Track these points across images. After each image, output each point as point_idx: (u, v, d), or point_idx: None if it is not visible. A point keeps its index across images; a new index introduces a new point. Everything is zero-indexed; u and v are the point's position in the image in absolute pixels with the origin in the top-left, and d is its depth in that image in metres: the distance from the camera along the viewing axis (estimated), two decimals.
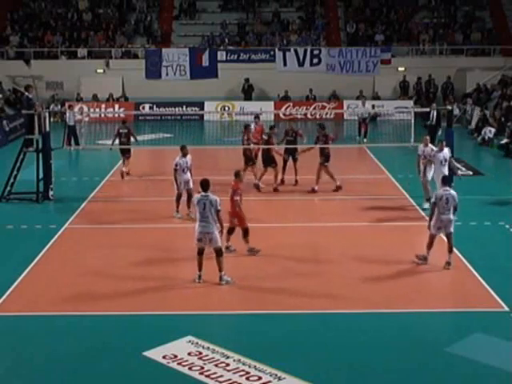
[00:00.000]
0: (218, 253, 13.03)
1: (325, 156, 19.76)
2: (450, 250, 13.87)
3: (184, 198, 17.46)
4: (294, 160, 20.69)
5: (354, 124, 31.34)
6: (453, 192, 13.82)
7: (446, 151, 17.82)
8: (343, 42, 39.89)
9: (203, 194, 13.06)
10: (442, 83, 37.74)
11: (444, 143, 18.04)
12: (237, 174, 14.69)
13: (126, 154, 22.11)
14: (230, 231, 14.64)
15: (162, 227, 16.99)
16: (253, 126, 21.36)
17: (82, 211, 18.26)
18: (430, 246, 14.00)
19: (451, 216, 13.76)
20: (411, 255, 14.65)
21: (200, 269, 13.10)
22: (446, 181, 14.20)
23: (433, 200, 13.87)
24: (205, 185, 13.11)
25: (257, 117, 22.24)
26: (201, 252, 13.10)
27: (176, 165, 17.27)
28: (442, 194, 13.74)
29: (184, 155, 17.42)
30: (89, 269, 13.95)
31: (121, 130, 22.08)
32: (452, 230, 13.81)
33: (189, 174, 17.46)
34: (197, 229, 13.05)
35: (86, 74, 37.77)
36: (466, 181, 21.55)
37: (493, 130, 28.91)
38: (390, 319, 11.72)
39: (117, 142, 22.09)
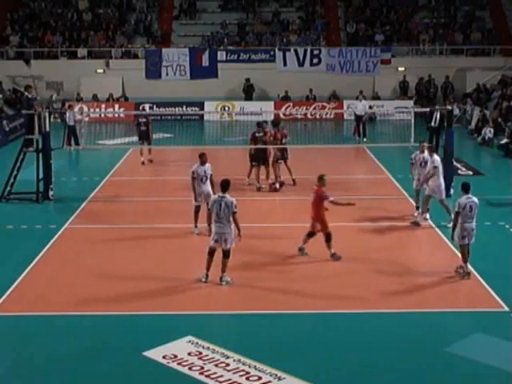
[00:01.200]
0: (226, 254, 12.97)
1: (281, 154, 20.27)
2: (466, 261, 13.39)
3: (204, 210, 15.78)
4: (285, 159, 20.66)
5: (354, 124, 31.33)
6: (475, 199, 13.31)
7: (436, 158, 17.34)
8: (343, 42, 39.87)
9: (220, 194, 12.98)
10: (441, 83, 37.71)
11: (425, 145, 17.77)
12: (320, 178, 14.33)
13: (146, 139, 23.72)
14: (311, 235, 14.51)
15: (162, 227, 16.99)
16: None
17: (81, 211, 18.26)
18: (463, 257, 13.40)
19: (474, 224, 13.31)
20: (411, 255, 14.67)
21: (208, 269, 13.04)
22: (467, 188, 13.45)
23: (456, 209, 13.23)
24: (224, 185, 12.96)
25: (265, 122, 22.27)
26: (212, 252, 13.05)
27: (193, 173, 15.77)
28: (466, 203, 13.18)
29: (202, 163, 15.77)
30: (89, 269, 13.95)
31: (140, 120, 24.23)
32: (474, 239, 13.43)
33: (209, 184, 15.80)
34: (213, 229, 13.00)
35: (86, 74, 37.75)
36: (466, 181, 21.56)
37: (492, 130, 28.96)
38: (390, 319, 11.72)
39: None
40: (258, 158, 20.18)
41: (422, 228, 16.77)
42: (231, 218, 12.82)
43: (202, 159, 15.83)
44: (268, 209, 18.88)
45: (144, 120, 24.29)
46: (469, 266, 13.42)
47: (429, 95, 37.68)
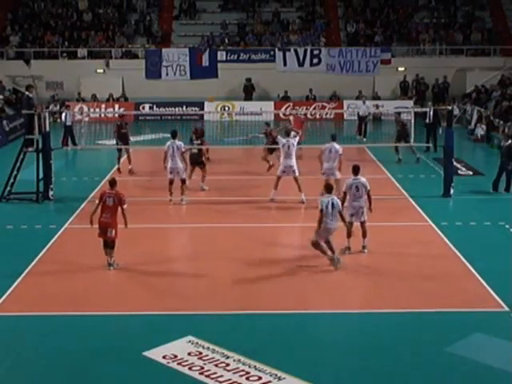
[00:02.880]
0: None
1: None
2: (365, 235, 14.84)
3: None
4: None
5: (355, 124, 31.35)
6: (363, 179, 14.77)
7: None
8: (343, 42, 39.85)
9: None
10: (439, 83, 37.69)
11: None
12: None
13: (126, 143, 22.72)
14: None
15: (162, 227, 17.00)
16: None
17: (81, 211, 18.23)
18: (348, 233, 14.76)
19: (362, 203, 14.67)
20: (411, 255, 14.67)
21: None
22: (357, 170, 14.87)
23: (344, 189, 14.80)
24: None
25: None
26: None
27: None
28: (352, 183, 14.69)
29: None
30: (89, 269, 13.94)
31: (120, 122, 23.04)
32: (364, 218, 14.75)
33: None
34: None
35: (86, 73, 37.74)
36: (466, 181, 21.59)
37: (485, 127, 29.24)
38: (390, 319, 11.71)
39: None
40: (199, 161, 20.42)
41: (421, 228, 16.77)
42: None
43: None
44: (268, 209, 18.87)
45: (125, 122, 23.11)
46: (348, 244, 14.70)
47: (424, 94, 37.65)
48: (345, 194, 14.72)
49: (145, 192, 20.54)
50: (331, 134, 19.34)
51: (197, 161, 20.11)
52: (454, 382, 9.85)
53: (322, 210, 13.64)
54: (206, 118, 35.47)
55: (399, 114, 23.10)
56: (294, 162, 18.62)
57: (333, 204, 13.70)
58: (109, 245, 13.81)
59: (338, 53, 37.30)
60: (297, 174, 18.62)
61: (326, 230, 13.69)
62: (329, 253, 13.80)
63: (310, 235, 14.13)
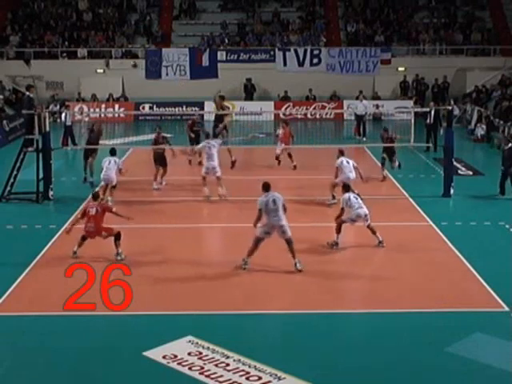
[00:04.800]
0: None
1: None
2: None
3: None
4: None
5: (353, 124, 31.36)
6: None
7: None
8: (343, 42, 39.86)
9: None
10: (439, 83, 37.69)
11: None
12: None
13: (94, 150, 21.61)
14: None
15: (162, 227, 16.99)
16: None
17: (81, 211, 18.20)
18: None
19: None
20: (411, 255, 14.66)
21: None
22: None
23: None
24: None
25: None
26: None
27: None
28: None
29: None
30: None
31: (93, 125, 22.36)
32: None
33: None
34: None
35: (86, 74, 37.74)
36: (466, 181, 21.60)
37: (485, 126, 29.26)
38: (390, 319, 11.71)
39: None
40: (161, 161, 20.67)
41: (421, 228, 16.77)
42: None
43: None
44: None
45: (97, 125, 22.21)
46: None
47: (424, 94, 37.68)
48: (342, 209, 15.15)
49: (144, 192, 20.53)
50: (339, 150, 19.18)
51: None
52: (454, 382, 9.84)
53: (260, 210, 13.60)
54: (205, 118, 35.45)
55: (386, 130, 21.83)
56: (216, 163, 19.08)
57: (274, 201, 13.67)
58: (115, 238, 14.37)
59: (338, 53, 37.35)
60: (219, 174, 19.10)
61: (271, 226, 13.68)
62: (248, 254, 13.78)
63: (311, 235, 14.18)
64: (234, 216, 17.97)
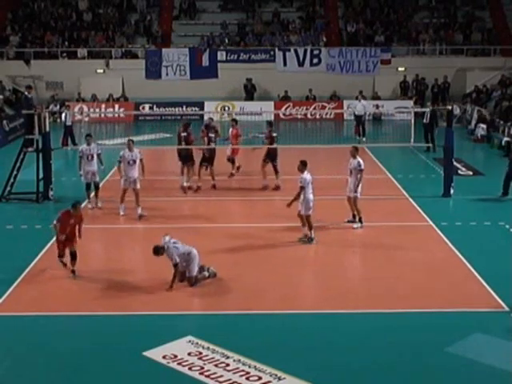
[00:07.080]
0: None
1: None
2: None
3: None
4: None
5: (353, 124, 31.36)
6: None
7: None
8: (343, 42, 39.86)
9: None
10: (439, 83, 37.69)
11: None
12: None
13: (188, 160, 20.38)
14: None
15: (162, 227, 16.97)
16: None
17: (81, 211, 18.19)
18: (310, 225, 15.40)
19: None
20: (411, 255, 14.66)
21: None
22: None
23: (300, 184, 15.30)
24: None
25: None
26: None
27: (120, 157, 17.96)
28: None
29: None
30: (89, 269, 13.93)
31: (182, 134, 20.70)
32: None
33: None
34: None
35: (86, 74, 37.73)
36: (466, 181, 21.60)
37: (485, 127, 29.27)
38: (390, 319, 11.72)
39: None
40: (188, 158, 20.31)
41: (421, 228, 16.78)
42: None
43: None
44: (267, 209, 18.87)
45: (185, 134, 20.77)
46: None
47: (424, 94, 37.68)
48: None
49: (144, 192, 20.52)
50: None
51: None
52: (453, 382, 9.85)
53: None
54: (205, 118, 35.44)
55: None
56: (135, 173, 17.66)
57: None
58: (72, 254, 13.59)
59: (338, 53, 37.35)
60: (137, 186, 17.70)
61: None
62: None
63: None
64: (234, 216, 17.97)
